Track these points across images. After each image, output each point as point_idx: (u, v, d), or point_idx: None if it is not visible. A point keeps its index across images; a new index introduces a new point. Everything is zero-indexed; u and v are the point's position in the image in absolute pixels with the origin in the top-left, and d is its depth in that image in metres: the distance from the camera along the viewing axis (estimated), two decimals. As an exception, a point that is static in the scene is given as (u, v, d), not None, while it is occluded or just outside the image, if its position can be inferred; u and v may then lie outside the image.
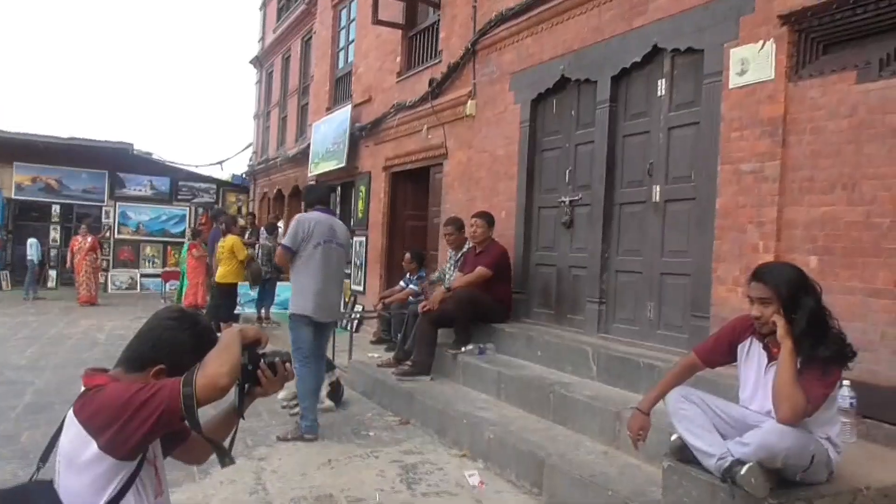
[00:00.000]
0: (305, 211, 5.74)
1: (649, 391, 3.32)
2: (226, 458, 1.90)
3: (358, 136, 11.02)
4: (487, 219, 6.51)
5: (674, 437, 3.15)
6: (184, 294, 12.58)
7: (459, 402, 5.45)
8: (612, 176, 5.74)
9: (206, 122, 55.52)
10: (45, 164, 17.46)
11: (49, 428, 1.83)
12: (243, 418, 2.00)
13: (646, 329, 5.33)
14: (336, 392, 6.13)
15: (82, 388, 1.78)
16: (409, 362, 6.30)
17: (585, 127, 6.11)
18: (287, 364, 1.94)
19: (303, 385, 5.25)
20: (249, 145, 19.61)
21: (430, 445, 5.04)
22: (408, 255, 8.54)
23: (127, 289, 18.21)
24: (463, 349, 6.18)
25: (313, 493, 4.08)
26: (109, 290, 17.57)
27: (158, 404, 1.63)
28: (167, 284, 16.27)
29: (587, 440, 4.40)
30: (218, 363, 1.68)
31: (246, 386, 1.92)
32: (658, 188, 5.28)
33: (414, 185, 10.05)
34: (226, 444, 1.96)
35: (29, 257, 15.65)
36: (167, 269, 17.73)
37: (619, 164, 5.72)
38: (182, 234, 18.07)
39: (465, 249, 6.87)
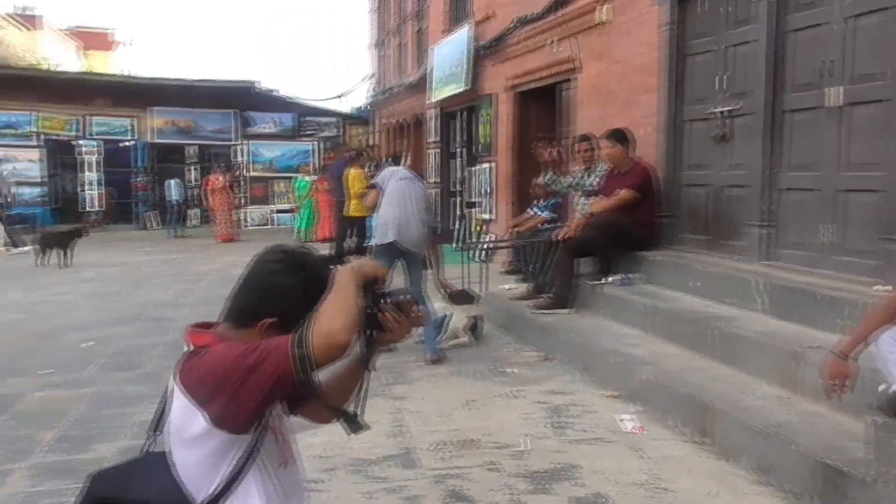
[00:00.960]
0: None
1: (851, 332, 2.78)
2: (354, 425, 1.57)
3: (480, 56, 10.51)
4: (616, 137, 5.94)
5: (882, 387, 2.65)
6: (312, 229, 12.82)
7: (604, 337, 5.06)
8: (777, 79, 4.96)
9: (326, 56, 56.18)
10: (177, 107, 18.10)
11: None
12: (374, 370, 1.65)
13: (820, 255, 4.65)
14: (475, 327, 5.87)
15: (186, 349, 1.52)
16: (546, 295, 5.93)
17: (741, 25, 5.32)
18: (413, 300, 1.60)
19: None
20: (369, 76, 19.41)
21: (576, 385, 4.70)
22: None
23: (260, 225, 18.81)
24: (605, 280, 5.73)
25: (456, 437, 3.85)
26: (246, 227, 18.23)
27: (269, 370, 1.35)
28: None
29: (756, 383, 3.88)
30: (332, 314, 1.36)
31: (371, 333, 1.55)
32: (838, 90, 4.49)
33: (540, 105, 9.49)
34: (353, 406, 1.62)
35: (169, 198, 16.43)
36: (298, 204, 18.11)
37: (786, 64, 4.93)
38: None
39: (597, 171, 6.30)
